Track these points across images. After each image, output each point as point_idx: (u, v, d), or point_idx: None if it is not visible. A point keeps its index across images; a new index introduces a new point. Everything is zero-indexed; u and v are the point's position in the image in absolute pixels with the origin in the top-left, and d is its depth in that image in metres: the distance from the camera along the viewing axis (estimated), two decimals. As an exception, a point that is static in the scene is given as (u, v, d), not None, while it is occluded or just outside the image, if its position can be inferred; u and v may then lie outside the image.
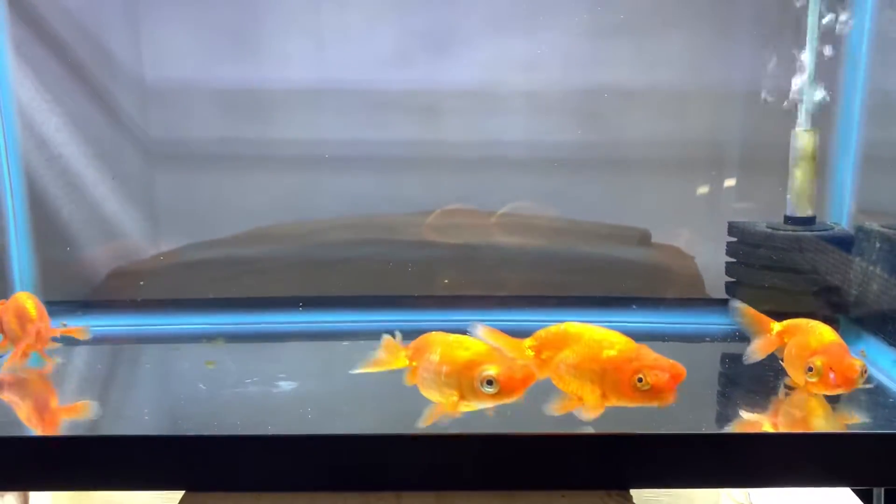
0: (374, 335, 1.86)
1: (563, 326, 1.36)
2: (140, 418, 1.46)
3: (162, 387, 1.67)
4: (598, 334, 1.31)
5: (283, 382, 1.56)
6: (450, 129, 2.07)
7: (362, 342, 1.87)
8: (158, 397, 1.60)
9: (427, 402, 1.45)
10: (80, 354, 1.79)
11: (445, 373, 1.26)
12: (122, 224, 2.09)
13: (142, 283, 2.05)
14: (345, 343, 1.86)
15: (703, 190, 2.09)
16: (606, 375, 1.26)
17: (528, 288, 2.07)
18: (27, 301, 1.59)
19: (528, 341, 1.38)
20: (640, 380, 1.22)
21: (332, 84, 2.05)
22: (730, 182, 2.08)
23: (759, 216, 1.94)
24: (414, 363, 1.33)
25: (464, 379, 1.23)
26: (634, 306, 2.01)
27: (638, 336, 1.87)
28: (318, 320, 1.98)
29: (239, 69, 2.05)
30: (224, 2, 2.04)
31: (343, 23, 2.03)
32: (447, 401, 1.26)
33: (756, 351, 1.50)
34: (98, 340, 1.80)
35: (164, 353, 1.83)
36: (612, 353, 1.27)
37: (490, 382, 1.20)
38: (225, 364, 1.71)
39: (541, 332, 1.38)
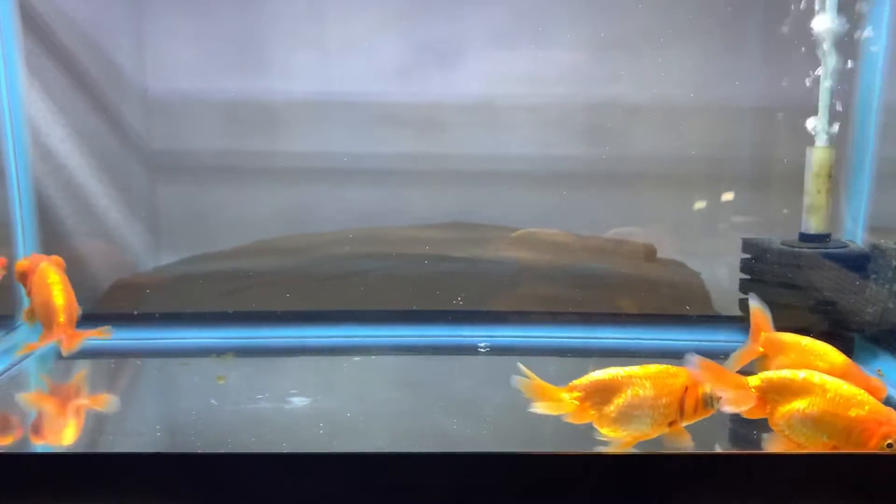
0: (377, 350, 1.87)
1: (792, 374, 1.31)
2: (152, 434, 1.43)
3: (172, 402, 1.65)
4: (839, 387, 1.28)
5: (295, 398, 1.53)
6: (454, 143, 2.07)
7: (374, 357, 1.86)
8: (168, 413, 1.58)
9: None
10: (84, 368, 1.76)
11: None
12: (125, 235, 2.07)
13: (144, 295, 2.02)
14: (356, 358, 1.84)
15: (710, 206, 2.08)
16: (851, 435, 1.25)
17: (533, 303, 2.06)
18: (58, 298, 1.58)
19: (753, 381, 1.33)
20: (889, 445, 1.24)
21: (336, 97, 2.04)
22: (738, 198, 2.07)
23: (767, 233, 1.93)
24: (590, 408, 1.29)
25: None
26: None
27: (643, 353, 1.91)
28: (319, 335, 1.96)
29: (243, 81, 2.04)
30: (228, 14, 2.03)
31: (347, 36, 2.02)
32: None
33: None
34: (101, 353, 1.78)
35: (173, 368, 1.81)
36: (862, 412, 1.25)
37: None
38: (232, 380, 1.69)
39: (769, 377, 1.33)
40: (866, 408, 1.25)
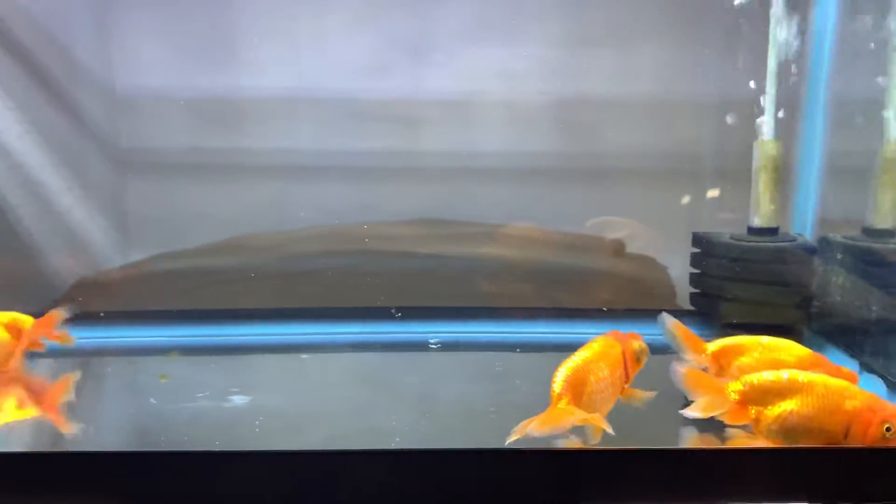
0: (328, 347, 1.87)
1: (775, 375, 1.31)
2: (86, 433, 1.42)
3: (111, 400, 1.64)
4: (827, 382, 1.28)
5: (235, 397, 1.53)
6: (427, 139, 2.06)
7: (322, 355, 1.85)
8: (105, 411, 1.57)
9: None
10: (34, 367, 1.76)
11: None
12: (89, 234, 2.06)
13: (107, 294, 2.02)
14: (303, 356, 1.83)
15: (679, 200, 2.08)
16: (851, 428, 1.24)
17: (502, 299, 2.05)
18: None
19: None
20: (888, 429, 1.23)
21: (308, 93, 2.04)
22: (709, 192, 2.07)
23: (736, 227, 1.92)
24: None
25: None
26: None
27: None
28: (286, 332, 1.95)
29: (212, 77, 2.03)
30: (198, 9, 2.02)
31: (319, 31, 2.02)
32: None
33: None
34: (54, 353, 1.77)
35: (119, 367, 1.80)
36: (857, 403, 1.25)
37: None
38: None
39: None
40: (858, 398, 1.25)
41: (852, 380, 1.35)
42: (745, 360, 1.43)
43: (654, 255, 2.05)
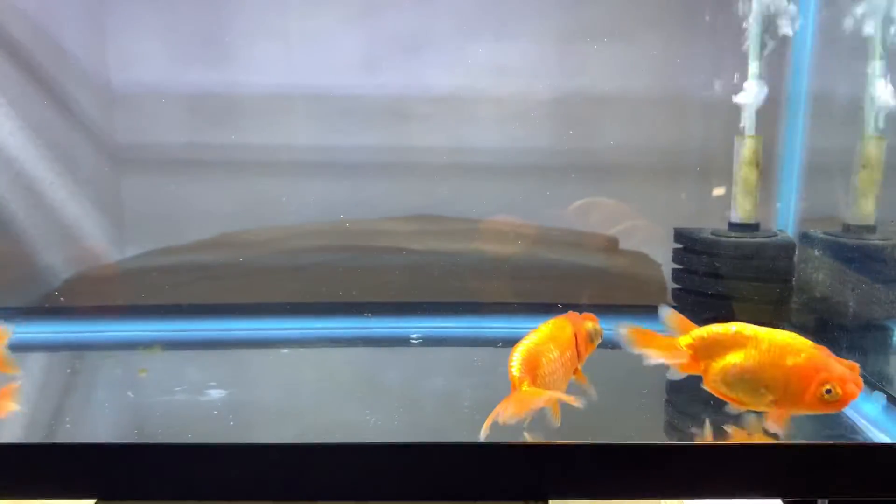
0: (325, 342, 1.88)
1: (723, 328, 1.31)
2: (61, 426, 1.44)
3: (88, 394, 1.65)
4: (773, 337, 1.27)
5: (212, 391, 1.54)
6: (420, 135, 2.06)
7: (304, 350, 1.86)
8: (82, 405, 1.58)
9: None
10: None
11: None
12: (83, 229, 2.07)
13: (98, 289, 2.04)
14: (284, 350, 1.84)
15: (674, 196, 2.07)
16: (790, 385, 1.24)
17: (494, 295, 2.06)
18: None
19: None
20: (828, 391, 1.22)
21: (301, 89, 2.04)
22: (706, 188, 2.06)
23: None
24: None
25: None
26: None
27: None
28: (271, 327, 1.97)
29: (207, 73, 2.04)
30: (192, 6, 2.03)
31: (312, 27, 2.02)
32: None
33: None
34: (33, 348, 1.79)
35: (101, 361, 1.81)
36: (799, 360, 1.24)
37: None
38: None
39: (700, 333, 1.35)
40: (803, 355, 1.24)
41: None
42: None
43: (648, 251, 2.05)
